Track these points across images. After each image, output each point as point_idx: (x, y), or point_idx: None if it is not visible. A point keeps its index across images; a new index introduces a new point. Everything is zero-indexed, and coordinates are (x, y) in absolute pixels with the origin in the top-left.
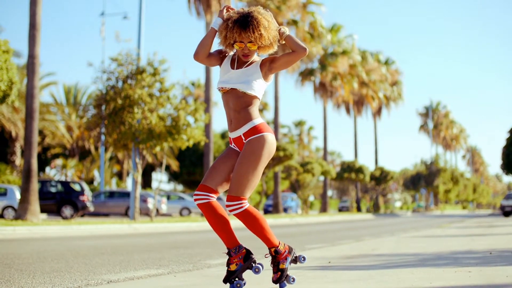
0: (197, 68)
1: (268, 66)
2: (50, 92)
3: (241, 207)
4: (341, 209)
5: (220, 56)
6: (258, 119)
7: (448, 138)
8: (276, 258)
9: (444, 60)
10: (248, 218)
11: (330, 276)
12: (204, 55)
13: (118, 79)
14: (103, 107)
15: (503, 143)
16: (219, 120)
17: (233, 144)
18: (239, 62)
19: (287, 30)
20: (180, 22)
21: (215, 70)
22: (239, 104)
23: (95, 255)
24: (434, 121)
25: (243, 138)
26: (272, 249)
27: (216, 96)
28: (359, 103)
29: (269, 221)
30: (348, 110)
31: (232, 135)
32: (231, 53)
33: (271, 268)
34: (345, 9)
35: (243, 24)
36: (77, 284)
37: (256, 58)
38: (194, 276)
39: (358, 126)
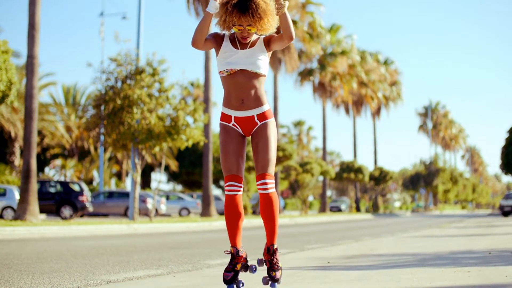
0: (196, 68)
1: (268, 46)
2: (49, 92)
3: (274, 185)
4: (331, 209)
5: (215, 39)
6: (267, 104)
7: (447, 138)
8: (275, 256)
9: (444, 60)
10: (275, 201)
11: (330, 276)
12: (202, 41)
13: (117, 79)
14: (102, 107)
15: (502, 143)
16: (218, 120)
17: (232, 122)
18: (241, 41)
19: (286, 5)
20: (179, 22)
21: (214, 70)
22: (251, 84)
23: (94, 256)
24: (433, 121)
25: (256, 118)
26: (273, 246)
27: (216, 97)
28: (358, 103)
29: None
30: (347, 110)
31: (241, 114)
32: (227, 33)
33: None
34: (344, 9)
35: (242, 7)
36: (77, 284)
37: (255, 35)
38: (194, 276)
39: (357, 126)
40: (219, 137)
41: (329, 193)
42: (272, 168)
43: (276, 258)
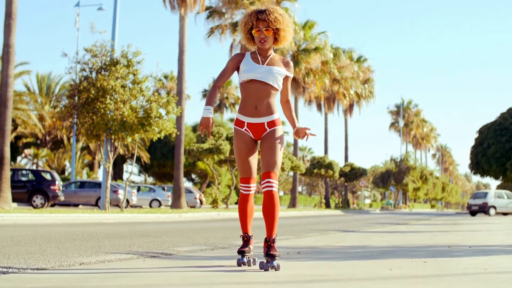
0: (171, 61)
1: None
2: (23, 81)
3: (277, 184)
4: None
5: (234, 65)
6: (277, 114)
7: (419, 136)
8: (274, 244)
9: (417, 59)
10: (277, 199)
11: (290, 264)
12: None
13: (92, 70)
14: (76, 97)
15: (472, 143)
16: (191, 113)
17: (245, 128)
18: (261, 54)
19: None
20: (155, 15)
21: (188, 64)
22: (265, 93)
23: (67, 241)
24: (405, 119)
25: (266, 125)
26: (273, 237)
27: (189, 90)
28: (330, 99)
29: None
30: (319, 107)
31: (253, 120)
32: (247, 55)
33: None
34: (319, 6)
35: (261, 10)
36: (51, 265)
37: (276, 56)
38: (163, 260)
39: (329, 123)
40: (234, 141)
41: (299, 188)
42: (277, 169)
43: (275, 245)
